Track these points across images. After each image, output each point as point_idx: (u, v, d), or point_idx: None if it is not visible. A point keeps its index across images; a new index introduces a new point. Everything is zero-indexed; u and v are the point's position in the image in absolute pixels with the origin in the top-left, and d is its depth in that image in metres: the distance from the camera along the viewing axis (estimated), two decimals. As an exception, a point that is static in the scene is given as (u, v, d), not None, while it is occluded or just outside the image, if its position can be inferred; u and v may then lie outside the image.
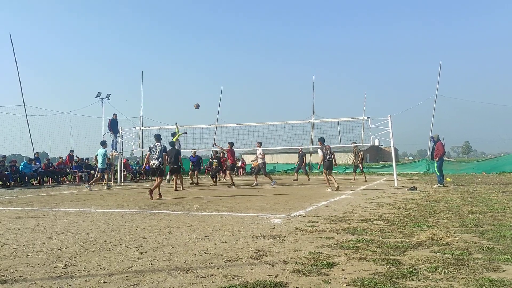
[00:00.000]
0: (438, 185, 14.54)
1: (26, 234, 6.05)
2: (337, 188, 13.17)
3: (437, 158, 14.90)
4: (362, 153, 20.28)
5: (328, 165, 13.54)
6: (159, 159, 11.58)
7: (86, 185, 16.71)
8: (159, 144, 11.81)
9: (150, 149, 11.92)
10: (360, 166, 19.90)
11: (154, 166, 11.68)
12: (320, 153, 13.68)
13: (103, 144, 17.05)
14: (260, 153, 17.35)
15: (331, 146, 14.31)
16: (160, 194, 11.59)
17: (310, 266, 3.97)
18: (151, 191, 11.24)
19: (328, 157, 13.54)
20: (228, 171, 17.40)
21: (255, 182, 17.09)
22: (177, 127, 18.43)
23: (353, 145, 19.62)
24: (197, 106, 18.39)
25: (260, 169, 17.36)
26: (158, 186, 11.55)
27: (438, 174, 14.92)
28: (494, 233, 5.46)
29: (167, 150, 12.53)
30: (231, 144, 17.31)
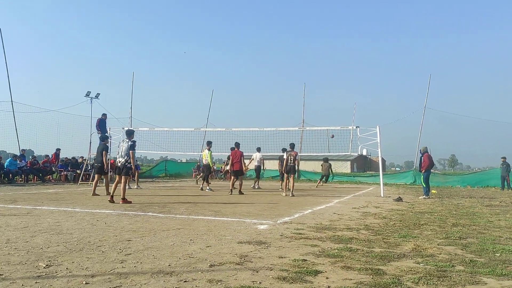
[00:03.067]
0: (424, 196, 14.67)
1: (8, 232, 5.95)
2: (286, 194, 14.43)
3: (423, 170, 15.12)
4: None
5: (289, 169, 14.52)
6: (125, 157, 10.44)
7: (208, 187, 16.49)
8: (127, 140, 10.60)
9: (118, 146, 11.08)
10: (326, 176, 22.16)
11: (119, 164, 10.59)
12: (285, 156, 14.77)
13: (209, 144, 17.17)
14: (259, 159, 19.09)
15: (319, 154, 15.33)
16: (111, 197, 10.51)
17: (295, 273, 3.97)
18: (111, 197, 10.55)
19: (290, 162, 14.44)
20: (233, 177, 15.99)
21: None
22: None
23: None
24: (332, 136, 19.61)
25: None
26: (116, 186, 10.72)
27: (424, 185, 15.08)
28: (477, 246, 5.52)
29: (102, 146, 13.02)
30: (237, 145, 16.09)
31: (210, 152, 16.66)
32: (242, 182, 15.58)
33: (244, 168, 16.22)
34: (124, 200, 10.43)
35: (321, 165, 22.31)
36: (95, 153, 13.99)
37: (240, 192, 14.97)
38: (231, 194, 14.71)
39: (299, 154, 22.52)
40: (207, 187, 16.51)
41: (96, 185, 13.17)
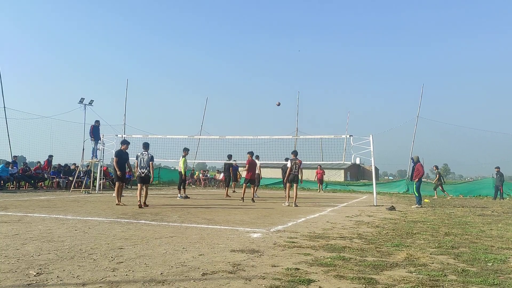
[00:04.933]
0: (416, 205, 14.73)
1: (-2, 239, 5.89)
2: (289, 204, 13.65)
3: (416, 179, 15.16)
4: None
5: (292, 179, 13.95)
6: (148, 168, 11.93)
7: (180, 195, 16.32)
8: (146, 153, 12.11)
9: (137, 157, 12.21)
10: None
11: (142, 174, 11.95)
12: (288, 164, 14.12)
13: (184, 151, 16.88)
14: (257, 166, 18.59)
15: (313, 162, 14.66)
16: (144, 202, 11.76)
17: (287, 282, 3.96)
18: (141, 204, 11.54)
19: (294, 171, 13.88)
20: (244, 185, 16.05)
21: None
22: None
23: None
24: (279, 104, 19.59)
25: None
26: (146, 193, 12.00)
27: (417, 195, 15.14)
28: (469, 255, 5.55)
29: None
30: (251, 153, 16.25)
31: (183, 159, 16.56)
32: (253, 190, 15.77)
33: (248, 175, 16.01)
34: (144, 204, 11.64)
35: (437, 173, 23.86)
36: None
37: (252, 200, 15.27)
38: (253, 202, 15.03)
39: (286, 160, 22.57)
40: (179, 195, 16.34)
41: (118, 194, 12.41)
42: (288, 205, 13.58)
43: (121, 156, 12.50)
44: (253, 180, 15.90)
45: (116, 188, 12.53)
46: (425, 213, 12.30)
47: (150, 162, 11.98)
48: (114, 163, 12.47)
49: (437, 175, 23.71)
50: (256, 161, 18.93)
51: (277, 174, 29.77)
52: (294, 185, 14.00)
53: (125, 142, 13.02)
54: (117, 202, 12.19)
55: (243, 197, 15.39)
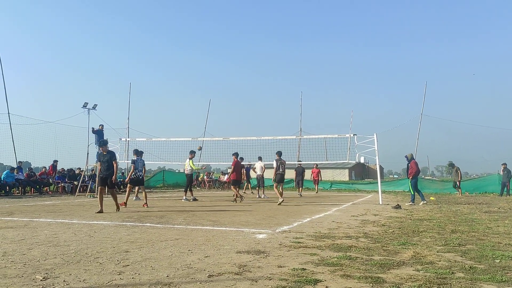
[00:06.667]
0: (423, 203, 14.68)
1: (4, 244, 5.91)
2: (280, 203, 13.82)
3: (411, 177, 15.16)
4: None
5: (279, 178, 14.41)
6: (142, 171, 13.47)
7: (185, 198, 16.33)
8: (140, 158, 13.58)
9: (133, 162, 13.40)
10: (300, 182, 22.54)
11: (140, 177, 13.36)
12: (274, 164, 14.54)
13: (191, 153, 16.89)
14: (261, 167, 19.02)
15: (317, 162, 15.27)
16: (146, 203, 12.86)
17: (294, 282, 3.94)
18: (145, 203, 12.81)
19: (280, 170, 14.33)
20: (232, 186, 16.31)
21: (263, 195, 19.05)
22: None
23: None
24: (200, 148, 20.22)
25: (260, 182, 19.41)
26: (146, 194, 13.20)
27: (412, 193, 15.15)
28: (477, 252, 5.51)
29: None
30: (236, 155, 16.03)
31: (191, 161, 16.55)
32: (236, 191, 15.86)
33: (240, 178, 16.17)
34: (146, 204, 12.76)
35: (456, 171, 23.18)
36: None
37: (234, 200, 15.48)
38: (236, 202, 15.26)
39: (295, 162, 22.64)
40: (184, 197, 16.27)
41: (101, 199, 11.04)
42: (283, 201, 13.93)
43: (101, 160, 11.04)
44: (238, 180, 16.09)
45: (98, 194, 11.24)
46: (431, 211, 12.24)
47: (143, 166, 13.65)
48: (98, 166, 11.54)
49: (457, 171, 23.28)
50: (260, 162, 19.04)
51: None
52: (280, 184, 14.44)
53: (102, 144, 11.47)
54: (99, 209, 10.69)
55: (241, 197, 15.58)
